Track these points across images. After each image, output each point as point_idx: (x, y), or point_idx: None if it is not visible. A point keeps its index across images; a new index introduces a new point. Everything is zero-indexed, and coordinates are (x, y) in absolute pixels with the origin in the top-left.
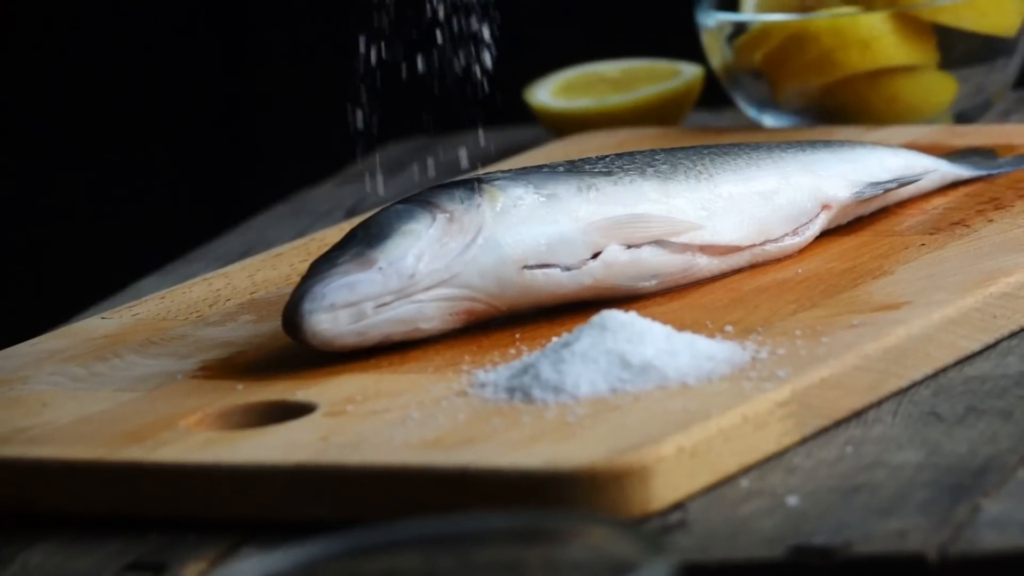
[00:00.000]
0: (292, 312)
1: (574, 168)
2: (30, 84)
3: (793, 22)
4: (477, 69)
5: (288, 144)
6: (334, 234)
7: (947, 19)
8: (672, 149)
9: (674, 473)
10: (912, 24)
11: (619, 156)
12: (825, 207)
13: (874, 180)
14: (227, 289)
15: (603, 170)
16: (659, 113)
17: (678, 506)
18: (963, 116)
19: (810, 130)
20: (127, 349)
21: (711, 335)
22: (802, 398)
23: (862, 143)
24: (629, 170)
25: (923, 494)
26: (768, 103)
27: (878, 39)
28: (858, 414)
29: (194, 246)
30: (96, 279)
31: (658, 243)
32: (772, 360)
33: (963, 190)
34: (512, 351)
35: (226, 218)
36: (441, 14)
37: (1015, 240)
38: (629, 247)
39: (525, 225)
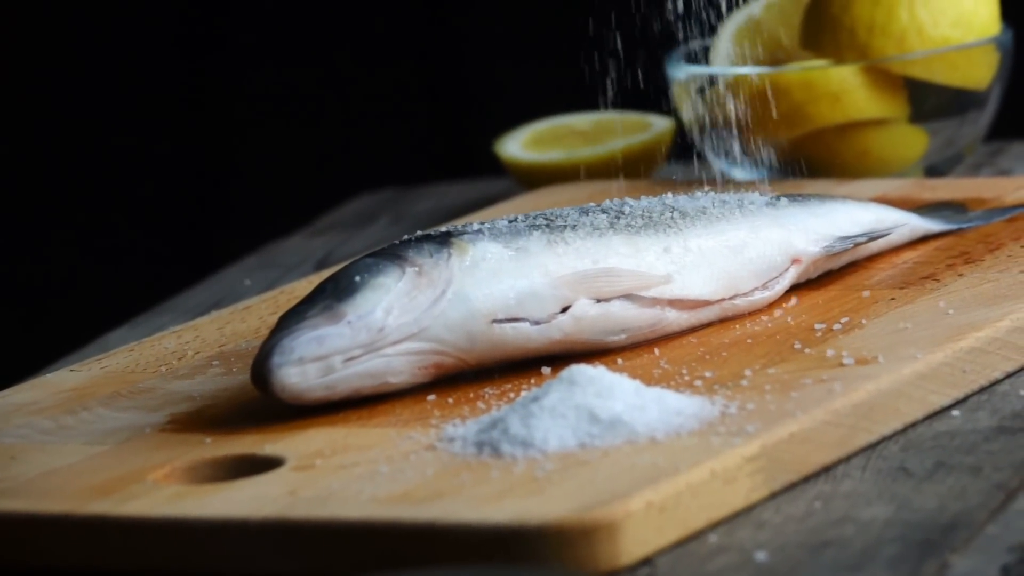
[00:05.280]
0: (261, 366)
1: (544, 222)
2: None
3: (763, 75)
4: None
5: (258, 196)
6: (303, 287)
7: (918, 72)
8: (642, 202)
9: (643, 528)
10: (883, 77)
11: (589, 209)
12: (795, 261)
13: (844, 234)
14: (196, 342)
15: (572, 224)
16: (629, 166)
17: (647, 561)
18: (933, 170)
19: (780, 183)
20: (96, 402)
21: (680, 389)
22: (771, 453)
23: (832, 197)
24: (598, 224)
25: (892, 550)
26: (738, 156)
27: (848, 92)
28: (827, 469)
29: (163, 298)
30: (65, 331)
31: (627, 297)
32: (741, 415)
33: (933, 244)
34: (481, 405)
35: (195, 270)
36: None
37: (985, 295)
38: (598, 301)
39: (494, 279)
